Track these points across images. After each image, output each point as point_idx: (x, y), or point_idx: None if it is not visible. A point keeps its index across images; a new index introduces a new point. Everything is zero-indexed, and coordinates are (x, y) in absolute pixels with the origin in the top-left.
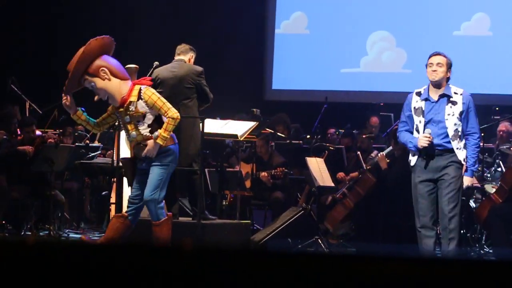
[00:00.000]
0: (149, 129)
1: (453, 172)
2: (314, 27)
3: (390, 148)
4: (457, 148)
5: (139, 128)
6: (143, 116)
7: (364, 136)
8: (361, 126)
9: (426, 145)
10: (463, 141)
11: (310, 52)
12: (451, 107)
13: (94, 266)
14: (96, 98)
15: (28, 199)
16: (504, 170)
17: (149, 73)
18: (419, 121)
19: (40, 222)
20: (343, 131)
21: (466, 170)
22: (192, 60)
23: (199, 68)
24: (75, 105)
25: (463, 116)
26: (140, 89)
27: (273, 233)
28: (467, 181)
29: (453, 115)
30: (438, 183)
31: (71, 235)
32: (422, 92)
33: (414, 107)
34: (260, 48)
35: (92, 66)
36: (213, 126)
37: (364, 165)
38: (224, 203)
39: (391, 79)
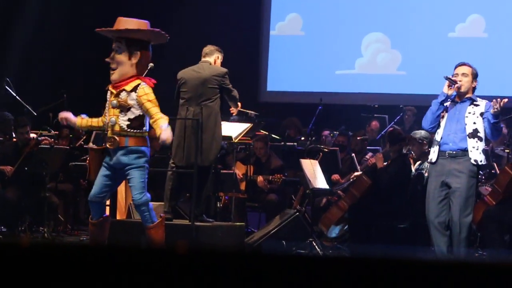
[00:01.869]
0: (129, 123)
1: (465, 180)
2: (309, 28)
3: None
4: (472, 147)
5: (120, 117)
6: (128, 108)
7: (358, 138)
8: (356, 128)
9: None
10: (482, 143)
11: (305, 53)
12: (473, 107)
13: (89, 268)
14: (108, 59)
15: (22, 200)
16: (498, 172)
17: (143, 74)
18: (442, 116)
19: (34, 224)
20: (337, 133)
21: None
22: (218, 62)
23: (223, 70)
24: (75, 115)
25: (483, 116)
26: (139, 84)
27: (268, 235)
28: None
29: (473, 114)
30: (450, 190)
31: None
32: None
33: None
34: (255, 50)
35: (136, 42)
36: None
37: (358, 167)
38: (218, 205)
39: (386, 81)
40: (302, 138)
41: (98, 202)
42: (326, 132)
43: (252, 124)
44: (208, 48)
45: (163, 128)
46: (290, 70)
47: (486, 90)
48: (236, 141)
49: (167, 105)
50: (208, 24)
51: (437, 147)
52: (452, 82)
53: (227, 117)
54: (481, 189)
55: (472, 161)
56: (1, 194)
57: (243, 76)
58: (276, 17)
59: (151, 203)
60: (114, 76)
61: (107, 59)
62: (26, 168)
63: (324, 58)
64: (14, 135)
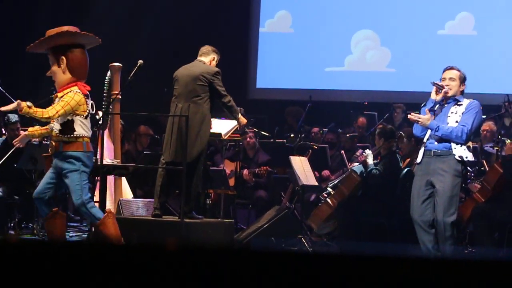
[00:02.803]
0: (60, 128)
1: (449, 179)
2: (299, 26)
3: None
4: (456, 143)
5: (54, 123)
6: None
7: (348, 135)
8: (346, 125)
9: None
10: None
11: (294, 50)
12: (455, 107)
13: (77, 264)
14: (48, 73)
15: (11, 197)
16: (487, 169)
17: (133, 71)
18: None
19: (24, 221)
20: (327, 130)
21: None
22: (214, 63)
23: (215, 68)
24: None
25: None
26: (70, 91)
27: (257, 232)
28: (424, 119)
29: (456, 113)
30: (434, 190)
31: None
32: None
33: (430, 109)
34: (244, 47)
35: (59, 48)
36: None
37: (348, 164)
38: (208, 202)
39: (375, 78)
40: (292, 135)
41: (40, 198)
42: (316, 129)
43: None
44: (205, 48)
45: (27, 108)
46: (279, 67)
47: (475, 87)
48: (225, 138)
49: (158, 103)
50: (197, 21)
51: (423, 148)
52: (439, 87)
53: (219, 114)
54: (470, 186)
55: (457, 157)
56: None
57: (233, 73)
58: (266, 14)
59: (92, 202)
60: (56, 87)
61: (47, 74)
62: (15, 165)
63: (314, 55)
64: (4, 132)
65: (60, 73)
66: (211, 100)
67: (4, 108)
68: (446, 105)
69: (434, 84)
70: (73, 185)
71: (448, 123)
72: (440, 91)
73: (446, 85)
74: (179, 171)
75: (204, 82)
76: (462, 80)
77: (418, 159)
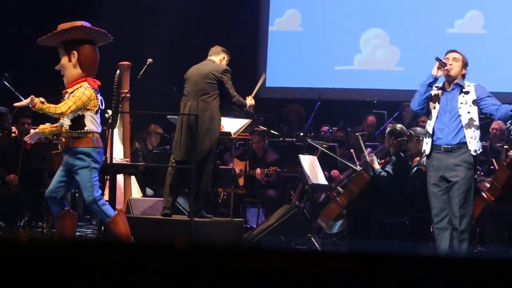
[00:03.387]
0: (71, 123)
1: (463, 173)
2: (308, 24)
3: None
4: (470, 137)
5: (65, 119)
6: None
7: (357, 134)
8: (355, 124)
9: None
10: (478, 131)
11: (303, 49)
12: (463, 96)
13: (87, 263)
14: (57, 67)
15: (21, 196)
16: (496, 168)
17: (142, 70)
18: (433, 107)
19: (33, 220)
20: (336, 128)
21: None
22: (224, 62)
23: (223, 66)
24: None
25: (481, 103)
26: (81, 86)
27: (266, 231)
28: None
29: (466, 103)
30: (449, 184)
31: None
32: (439, 85)
33: (431, 95)
34: (253, 46)
35: (71, 43)
36: None
37: (357, 163)
38: (219, 201)
39: (385, 77)
40: (301, 134)
41: (53, 197)
42: (325, 128)
43: (251, 120)
44: (215, 48)
45: (40, 104)
46: (288, 66)
47: (484, 86)
48: (235, 136)
49: (167, 101)
50: (207, 20)
51: (430, 139)
52: (442, 64)
53: (228, 113)
54: (480, 185)
55: (472, 152)
56: (0, 189)
57: (242, 71)
58: (275, 13)
59: (103, 199)
60: (64, 81)
61: (56, 68)
62: (25, 164)
63: (323, 54)
64: (12, 130)
65: (71, 67)
66: (220, 98)
67: (18, 104)
68: (450, 92)
69: (437, 59)
70: (84, 182)
71: (460, 115)
72: (442, 68)
73: (450, 65)
74: (188, 170)
75: (213, 80)
76: (465, 64)
77: (426, 151)
